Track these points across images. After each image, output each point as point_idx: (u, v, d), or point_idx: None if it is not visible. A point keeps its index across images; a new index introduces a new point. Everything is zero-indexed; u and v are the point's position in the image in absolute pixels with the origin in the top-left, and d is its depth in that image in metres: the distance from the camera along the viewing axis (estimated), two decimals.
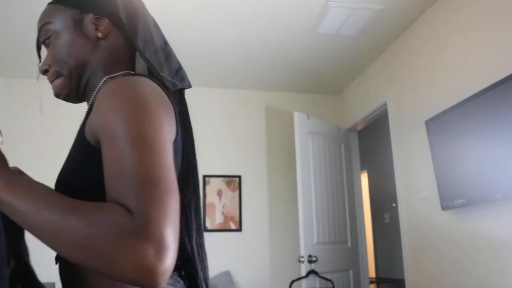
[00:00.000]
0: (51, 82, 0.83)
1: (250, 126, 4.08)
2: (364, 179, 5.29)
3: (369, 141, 5.15)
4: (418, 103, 2.93)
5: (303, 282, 3.12)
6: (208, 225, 3.80)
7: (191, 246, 0.78)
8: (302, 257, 3.14)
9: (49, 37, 0.81)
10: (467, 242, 2.41)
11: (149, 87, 0.68)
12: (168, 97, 0.72)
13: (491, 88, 2.15)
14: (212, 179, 3.89)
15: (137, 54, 0.85)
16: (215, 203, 3.86)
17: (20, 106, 3.69)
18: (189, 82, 0.87)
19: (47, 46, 0.82)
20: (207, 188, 3.86)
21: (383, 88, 3.44)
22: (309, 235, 3.21)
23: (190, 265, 0.77)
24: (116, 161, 0.58)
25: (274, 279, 3.78)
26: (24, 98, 3.71)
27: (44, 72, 0.82)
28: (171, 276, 0.72)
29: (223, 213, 3.85)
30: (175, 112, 0.73)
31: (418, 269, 2.90)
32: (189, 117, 0.87)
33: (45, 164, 3.27)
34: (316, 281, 3.17)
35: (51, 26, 0.81)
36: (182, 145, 0.79)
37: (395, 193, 3.27)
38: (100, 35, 0.80)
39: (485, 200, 2.17)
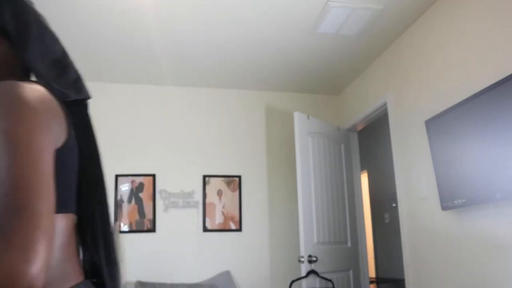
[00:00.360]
0: None
1: (250, 126, 4.08)
2: (364, 179, 5.29)
3: (369, 141, 5.15)
4: (418, 103, 2.93)
5: (303, 282, 3.12)
6: (208, 225, 3.80)
7: (100, 263, 0.78)
8: (302, 257, 3.14)
9: None
10: (467, 242, 2.41)
11: (35, 92, 0.67)
12: (60, 106, 0.72)
13: (491, 88, 2.15)
14: (212, 179, 3.89)
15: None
16: (215, 203, 3.86)
17: None
18: (87, 93, 0.86)
19: None
20: (207, 188, 3.86)
21: (383, 88, 3.44)
22: (309, 235, 3.21)
23: (99, 282, 0.77)
24: None
25: (274, 279, 3.78)
26: None
27: None
28: (83, 283, 0.72)
29: (223, 213, 3.85)
30: (67, 121, 0.72)
31: (418, 269, 2.90)
32: (92, 130, 0.86)
33: None
34: (316, 281, 3.17)
35: None
36: (80, 158, 0.79)
37: (395, 193, 3.27)
38: None
39: (485, 200, 2.17)
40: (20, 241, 0.53)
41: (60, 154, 0.70)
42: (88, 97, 0.85)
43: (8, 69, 0.81)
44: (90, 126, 0.85)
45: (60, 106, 0.72)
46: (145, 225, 3.69)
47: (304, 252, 3.14)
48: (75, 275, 0.72)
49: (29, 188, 0.57)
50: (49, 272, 0.66)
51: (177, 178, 3.83)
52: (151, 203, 3.73)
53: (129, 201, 3.70)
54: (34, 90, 0.67)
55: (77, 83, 0.84)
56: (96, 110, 3.80)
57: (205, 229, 3.79)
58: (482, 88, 2.25)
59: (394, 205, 4.54)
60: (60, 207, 0.71)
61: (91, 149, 0.84)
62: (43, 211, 0.57)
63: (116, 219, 3.64)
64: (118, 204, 3.68)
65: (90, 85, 3.85)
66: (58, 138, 0.69)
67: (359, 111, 3.85)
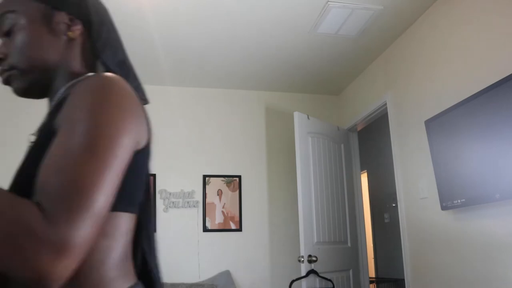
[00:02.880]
0: (2, 73, 0.78)
1: (250, 126, 4.08)
2: (364, 179, 5.29)
3: (369, 141, 5.15)
4: (418, 103, 2.93)
5: (303, 282, 3.12)
6: (208, 225, 3.80)
7: (152, 265, 0.78)
8: (302, 257, 3.15)
9: (11, 27, 0.76)
10: (467, 242, 2.41)
11: (130, 89, 0.67)
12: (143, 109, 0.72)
13: (491, 88, 2.15)
14: (212, 179, 3.89)
15: (98, 64, 0.83)
16: (215, 203, 3.86)
17: (20, 106, 3.69)
18: (147, 99, 0.86)
19: (6, 35, 0.77)
20: (207, 188, 3.87)
21: (383, 88, 3.44)
22: (309, 235, 3.22)
23: (148, 275, 0.76)
24: (59, 157, 0.57)
25: (274, 279, 3.79)
26: (25, 98, 3.71)
27: None
28: (139, 284, 0.71)
29: (223, 213, 3.85)
30: (148, 125, 0.72)
31: (418, 269, 2.90)
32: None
33: None
34: (316, 281, 3.17)
35: (14, 16, 0.76)
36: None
37: (395, 193, 3.27)
38: (71, 35, 0.78)
39: (485, 200, 2.18)
40: (62, 237, 0.51)
41: (141, 157, 0.70)
42: (148, 102, 0.85)
43: (85, 64, 0.81)
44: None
45: (143, 108, 0.72)
46: None
47: (304, 252, 3.15)
48: (132, 275, 0.71)
49: (89, 196, 0.55)
50: (113, 271, 0.66)
51: (177, 178, 3.83)
52: None
53: None
54: (128, 88, 0.67)
55: (138, 87, 0.83)
56: None
57: (205, 229, 3.79)
58: (482, 88, 2.25)
59: (394, 205, 4.54)
60: (130, 207, 0.70)
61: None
62: (98, 211, 0.55)
63: None
64: None
65: None
66: (140, 140, 0.68)
67: (359, 111, 3.85)
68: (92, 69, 0.82)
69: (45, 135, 0.67)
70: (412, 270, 2.96)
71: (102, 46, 0.80)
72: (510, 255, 2.10)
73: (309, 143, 3.46)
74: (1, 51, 0.77)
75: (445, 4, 2.67)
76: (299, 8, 2.79)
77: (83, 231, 0.53)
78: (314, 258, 3.17)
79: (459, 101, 2.42)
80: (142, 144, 0.69)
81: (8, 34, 0.77)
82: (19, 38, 0.76)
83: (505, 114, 2.05)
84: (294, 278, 3.29)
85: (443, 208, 2.51)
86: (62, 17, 0.78)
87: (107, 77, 0.65)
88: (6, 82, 0.78)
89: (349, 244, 3.68)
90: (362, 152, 4.33)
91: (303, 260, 3.14)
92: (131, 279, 0.70)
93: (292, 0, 2.71)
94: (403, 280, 3.10)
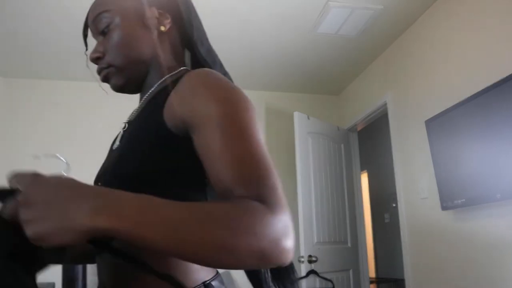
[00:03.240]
0: (100, 71, 0.81)
1: None
2: (364, 179, 5.29)
3: (369, 141, 5.15)
4: (418, 103, 2.93)
5: (303, 282, 3.12)
6: None
7: None
8: (302, 257, 3.14)
9: (107, 26, 0.79)
10: (467, 242, 2.41)
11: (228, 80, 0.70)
12: None
13: (491, 88, 2.15)
14: None
15: (186, 54, 0.86)
16: None
17: (20, 106, 3.69)
18: None
19: (102, 34, 0.80)
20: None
21: (383, 88, 3.44)
22: (309, 235, 3.21)
23: (257, 272, 0.82)
24: (226, 150, 0.59)
25: None
26: (24, 98, 3.71)
27: (96, 59, 0.80)
28: (218, 276, 0.74)
29: None
30: None
31: (418, 269, 2.90)
32: None
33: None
34: (316, 281, 3.17)
35: (110, 15, 0.78)
36: None
37: (395, 193, 3.27)
38: (163, 29, 0.80)
39: (485, 200, 2.17)
40: (287, 222, 0.55)
41: None
42: None
43: (177, 56, 0.83)
44: None
45: None
46: None
47: (304, 252, 3.14)
48: (212, 269, 0.73)
49: (273, 171, 0.59)
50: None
51: None
52: None
53: None
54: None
55: (226, 74, 0.83)
56: (97, 110, 3.80)
57: None
58: (482, 88, 2.25)
59: (394, 205, 4.54)
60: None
61: None
62: (280, 187, 0.59)
63: None
64: None
65: (90, 85, 3.85)
66: None
67: (359, 111, 3.85)
68: (182, 59, 0.84)
69: (147, 128, 0.70)
70: (412, 270, 2.95)
71: (193, 36, 0.81)
72: (511, 255, 2.10)
73: (309, 143, 3.46)
74: (99, 50, 0.80)
75: (445, 4, 2.66)
76: (299, 8, 2.79)
77: (285, 202, 0.57)
78: (314, 258, 3.17)
79: (459, 101, 2.42)
80: None
81: (104, 33, 0.79)
82: (115, 36, 0.78)
83: (505, 114, 2.05)
84: None
85: (444, 208, 2.51)
86: (153, 12, 0.80)
87: (212, 71, 0.68)
88: (105, 79, 0.81)
89: (349, 244, 3.68)
90: (362, 152, 4.33)
91: (303, 260, 3.13)
92: (213, 271, 0.73)
93: (292, 0, 2.70)
94: (403, 280, 3.10)
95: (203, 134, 0.61)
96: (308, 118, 3.53)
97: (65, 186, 0.48)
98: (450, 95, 2.57)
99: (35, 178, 0.50)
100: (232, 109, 0.62)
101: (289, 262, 0.56)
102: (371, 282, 4.42)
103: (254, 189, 0.56)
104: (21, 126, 3.66)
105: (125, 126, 0.81)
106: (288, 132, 4.07)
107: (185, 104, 0.65)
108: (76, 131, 3.71)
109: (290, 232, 0.55)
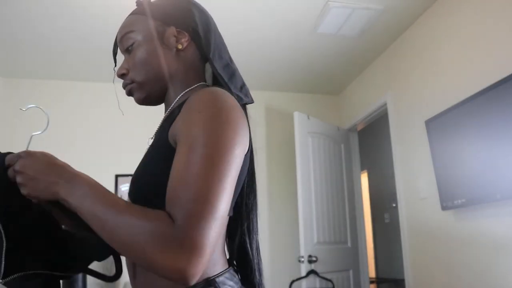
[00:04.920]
0: (125, 86, 0.89)
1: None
2: (364, 179, 5.29)
3: (369, 141, 5.15)
4: (418, 103, 2.93)
5: (303, 282, 3.12)
6: None
7: (251, 247, 0.86)
8: (302, 257, 3.14)
9: (131, 45, 0.87)
10: (467, 242, 2.41)
11: (233, 101, 0.75)
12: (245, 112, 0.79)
13: (491, 88, 2.15)
14: None
15: (206, 68, 0.91)
16: None
17: (20, 106, 3.69)
18: (251, 98, 0.92)
19: (127, 52, 0.88)
20: None
21: (383, 88, 3.44)
22: (309, 235, 3.22)
23: (247, 264, 0.86)
24: (184, 169, 0.65)
25: (274, 279, 3.78)
26: (24, 98, 3.71)
27: (121, 76, 0.89)
28: (228, 270, 0.79)
29: None
30: (248, 125, 0.80)
31: (418, 269, 2.90)
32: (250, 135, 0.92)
33: None
34: (316, 281, 3.17)
35: (134, 35, 0.87)
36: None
37: (395, 193, 3.27)
38: (180, 46, 0.87)
39: (485, 200, 2.17)
40: (193, 240, 0.60)
41: (245, 159, 0.76)
42: (253, 101, 0.91)
43: (195, 71, 0.89)
44: (250, 132, 0.91)
45: (246, 116, 0.79)
46: None
47: (304, 252, 3.15)
48: (222, 263, 0.79)
49: (212, 205, 0.63)
50: (212, 260, 0.75)
51: None
52: None
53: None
54: (232, 100, 0.75)
55: (243, 87, 0.90)
56: (96, 110, 3.80)
57: None
58: (482, 88, 2.25)
59: (394, 205, 4.54)
60: (230, 210, 0.77)
61: (251, 152, 0.90)
62: (216, 226, 0.63)
63: None
64: None
65: (91, 85, 3.85)
66: (246, 145, 0.75)
67: (359, 111, 3.85)
68: (201, 74, 0.90)
69: (158, 142, 0.80)
70: (412, 270, 2.96)
71: (210, 52, 0.86)
72: (511, 255, 2.10)
73: (309, 143, 3.46)
74: (124, 67, 0.88)
75: (445, 4, 2.66)
76: (299, 8, 2.79)
77: (207, 233, 0.61)
78: (314, 258, 3.17)
79: (459, 101, 2.42)
80: (245, 151, 0.76)
81: (129, 51, 0.88)
82: (137, 54, 0.86)
83: (505, 114, 2.05)
84: (294, 278, 3.29)
85: (444, 208, 2.51)
86: (172, 31, 0.87)
87: (213, 92, 0.73)
88: (129, 93, 0.90)
89: (349, 244, 3.68)
90: (362, 152, 4.33)
91: (303, 260, 3.14)
92: (221, 266, 0.78)
93: (292, 0, 2.71)
94: (403, 280, 3.10)
95: (176, 151, 0.70)
96: (308, 118, 3.53)
97: (48, 163, 0.70)
98: (450, 95, 2.57)
99: (28, 154, 0.71)
100: (206, 133, 0.67)
101: (185, 282, 0.61)
102: (371, 282, 4.42)
103: (176, 211, 0.63)
104: (21, 126, 3.66)
105: (153, 138, 0.90)
106: (288, 132, 4.07)
107: (179, 122, 0.73)
108: (76, 131, 3.72)
109: (191, 249, 0.60)
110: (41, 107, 0.97)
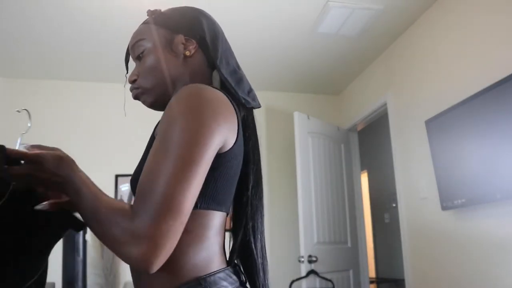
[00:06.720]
0: (133, 90, 0.93)
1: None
2: (364, 179, 5.29)
3: (369, 141, 5.15)
4: (418, 103, 2.93)
5: (303, 282, 3.12)
6: None
7: (256, 247, 0.88)
8: (302, 257, 3.14)
9: (142, 52, 0.91)
10: (467, 242, 2.41)
11: (214, 96, 0.75)
12: (235, 109, 0.80)
13: (491, 88, 2.15)
14: None
15: (214, 74, 0.94)
16: None
17: (20, 106, 3.69)
18: (259, 102, 0.94)
19: (138, 59, 0.92)
20: None
21: (383, 88, 3.44)
22: (309, 235, 3.21)
23: (251, 263, 0.87)
24: (151, 165, 0.69)
25: (274, 279, 3.78)
26: (24, 98, 3.71)
27: (133, 81, 0.92)
28: (223, 270, 0.79)
29: None
30: (238, 128, 0.80)
31: (418, 269, 2.90)
32: (256, 135, 0.94)
33: None
34: (316, 281, 3.17)
35: (144, 43, 0.90)
36: (246, 156, 0.87)
37: (395, 193, 3.27)
38: (188, 53, 0.90)
39: (485, 200, 2.17)
40: (149, 234, 0.64)
41: (226, 158, 0.77)
42: (259, 106, 0.93)
43: (202, 77, 0.92)
44: (256, 132, 0.93)
45: (236, 112, 0.80)
46: None
47: (304, 252, 3.15)
48: (219, 262, 0.80)
49: (172, 205, 0.65)
50: (196, 257, 0.76)
51: None
52: None
53: (130, 201, 3.70)
54: (214, 95, 0.76)
55: (250, 92, 0.92)
56: (97, 110, 3.80)
57: None
58: (482, 88, 2.25)
59: (394, 205, 4.54)
60: (217, 206, 0.80)
61: (256, 154, 0.92)
62: (181, 212, 0.66)
63: None
64: None
65: (91, 85, 3.85)
66: (226, 142, 0.76)
67: (359, 111, 3.85)
68: (208, 80, 0.92)
69: (151, 141, 0.83)
70: (413, 270, 2.96)
71: (217, 59, 0.89)
72: (511, 255, 2.10)
73: (309, 143, 3.46)
74: (134, 73, 0.92)
75: (445, 4, 2.66)
76: (299, 8, 2.79)
77: (163, 228, 0.64)
78: (314, 258, 3.17)
79: (459, 101, 2.42)
80: (229, 145, 0.77)
81: (139, 58, 0.92)
82: (147, 60, 0.90)
83: (505, 114, 2.05)
84: (294, 278, 3.29)
85: (444, 208, 2.51)
86: (180, 39, 0.90)
87: (190, 87, 0.74)
88: (135, 97, 0.93)
89: (349, 244, 3.68)
90: (362, 152, 4.33)
91: (303, 260, 3.14)
92: (217, 265, 0.79)
93: (292, 0, 2.70)
94: (403, 280, 3.10)
95: (153, 144, 0.72)
96: (308, 118, 3.53)
97: (59, 159, 0.72)
98: (450, 95, 2.57)
99: (46, 151, 0.74)
100: (176, 128, 0.69)
101: (146, 271, 0.65)
102: (371, 282, 4.42)
103: (138, 205, 0.67)
104: (21, 126, 3.66)
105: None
106: (288, 132, 4.07)
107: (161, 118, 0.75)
108: (76, 131, 3.71)
109: (135, 241, 0.64)
110: (27, 109, 0.99)
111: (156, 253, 0.64)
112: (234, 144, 0.78)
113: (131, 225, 0.65)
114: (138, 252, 0.63)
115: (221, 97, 0.77)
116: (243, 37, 3.16)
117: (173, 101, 0.73)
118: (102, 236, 0.68)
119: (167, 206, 0.65)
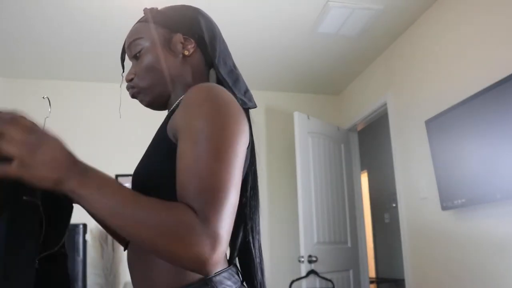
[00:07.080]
0: (129, 88, 0.92)
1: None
2: (364, 179, 5.29)
3: (369, 141, 5.15)
4: (418, 103, 2.93)
5: (303, 282, 3.12)
6: None
7: (254, 247, 0.88)
8: (302, 257, 3.14)
9: (139, 51, 0.89)
10: (467, 242, 2.41)
11: (230, 96, 0.76)
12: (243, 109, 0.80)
13: (491, 88, 2.15)
14: None
15: (211, 73, 0.94)
16: None
17: (20, 106, 3.69)
18: (255, 103, 0.94)
19: (135, 59, 0.91)
20: None
21: (383, 88, 3.44)
22: (309, 235, 3.22)
23: (249, 263, 0.87)
24: (192, 163, 0.66)
25: (274, 279, 3.79)
26: (24, 98, 3.71)
27: (130, 81, 0.91)
28: (227, 270, 0.79)
29: None
30: (249, 122, 0.81)
31: (418, 269, 2.90)
32: (252, 136, 0.94)
33: None
34: (316, 281, 3.17)
35: (142, 42, 0.89)
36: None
37: (395, 193, 3.27)
38: (186, 53, 0.89)
39: (485, 200, 2.17)
40: (213, 234, 0.61)
41: (246, 152, 0.78)
42: (256, 106, 0.93)
43: (200, 77, 0.92)
44: (252, 133, 0.93)
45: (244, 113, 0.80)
46: None
47: (304, 252, 3.15)
48: (222, 263, 0.80)
49: (225, 192, 0.65)
50: None
51: None
52: None
53: None
54: (230, 96, 0.76)
55: (247, 92, 0.92)
56: (96, 110, 3.80)
57: None
58: (482, 88, 2.25)
59: (394, 205, 4.54)
60: None
61: (253, 155, 0.92)
62: (232, 211, 0.65)
63: None
64: None
65: (91, 85, 3.85)
66: (247, 139, 0.76)
67: (359, 111, 3.85)
68: (205, 79, 0.92)
69: (158, 139, 0.80)
70: (412, 270, 2.96)
71: (215, 58, 0.89)
72: (511, 255, 2.10)
73: (309, 143, 3.46)
74: (131, 72, 0.91)
75: (445, 4, 2.66)
76: (299, 8, 2.79)
77: (227, 224, 0.63)
78: (314, 258, 3.17)
79: (459, 101, 2.42)
80: (247, 144, 0.77)
81: (136, 57, 0.90)
82: (145, 60, 0.89)
83: (505, 114, 2.05)
84: (294, 278, 3.29)
85: (444, 208, 2.51)
86: (178, 38, 0.89)
87: (210, 86, 0.74)
88: (133, 96, 0.92)
89: (349, 244, 3.68)
90: (362, 152, 4.33)
91: (303, 260, 3.14)
92: (222, 265, 0.79)
93: (292, 0, 2.70)
94: (403, 280, 3.10)
95: (180, 145, 0.70)
96: (308, 118, 3.53)
97: (57, 146, 0.62)
98: (450, 95, 2.57)
99: (29, 124, 0.61)
100: (210, 126, 0.68)
101: (205, 272, 0.62)
102: (371, 282, 4.42)
103: (195, 203, 0.63)
104: None
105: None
106: (288, 132, 4.07)
107: (178, 116, 0.74)
108: (76, 131, 3.72)
109: (216, 240, 0.61)
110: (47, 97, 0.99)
111: (221, 250, 0.62)
112: (249, 144, 0.79)
113: (198, 223, 0.61)
114: (204, 251, 0.60)
115: (234, 98, 0.77)
116: (243, 37, 3.16)
117: (194, 98, 0.72)
118: (152, 239, 0.61)
119: (225, 201, 0.64)
